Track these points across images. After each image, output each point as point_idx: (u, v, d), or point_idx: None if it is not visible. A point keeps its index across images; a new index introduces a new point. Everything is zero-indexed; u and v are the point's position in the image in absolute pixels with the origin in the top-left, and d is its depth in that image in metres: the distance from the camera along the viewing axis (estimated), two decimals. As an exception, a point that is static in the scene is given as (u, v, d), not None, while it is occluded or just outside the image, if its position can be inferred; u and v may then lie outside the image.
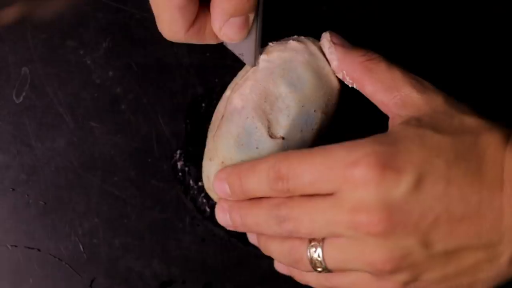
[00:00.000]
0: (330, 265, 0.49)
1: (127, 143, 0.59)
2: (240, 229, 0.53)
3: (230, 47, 0.53)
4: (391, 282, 0.49)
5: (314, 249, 0.49)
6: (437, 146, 0.47)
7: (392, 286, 0.49)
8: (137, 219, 0.59)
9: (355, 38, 0.54)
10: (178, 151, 0.59)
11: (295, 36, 0.55)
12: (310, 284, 0.54)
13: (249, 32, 0.52)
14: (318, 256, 0.49)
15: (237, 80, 0.55)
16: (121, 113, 0.59)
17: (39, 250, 0.58)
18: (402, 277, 0.48)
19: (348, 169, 0.47)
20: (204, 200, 0.59)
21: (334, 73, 0.54)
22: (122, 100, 0.59)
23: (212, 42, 0.53)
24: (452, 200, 0.47)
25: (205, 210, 0.59)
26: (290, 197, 0.49)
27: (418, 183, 0.46)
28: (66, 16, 0.58)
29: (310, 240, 0.49)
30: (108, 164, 0.59)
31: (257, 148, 0.53)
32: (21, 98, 0.58)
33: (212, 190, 0.54)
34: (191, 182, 0.59)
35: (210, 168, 0.54)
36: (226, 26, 0.51)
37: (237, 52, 0.53)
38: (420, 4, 0.59)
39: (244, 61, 0.54)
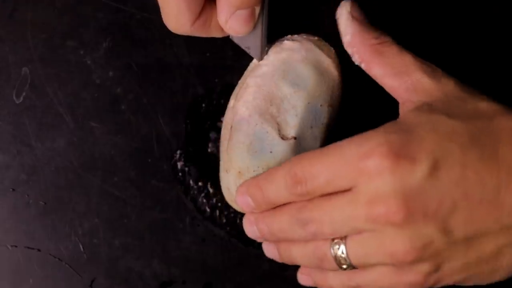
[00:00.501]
0: (354, 261, 0.49)
1: (127, 143, 0.59)
2: (268, 238, 0.53)
3: (236, 41, 0.53)
4: (413, 273, 0.48)
5: (337, 246, 0.49)
6: (451, 131, 0.47)
7: (414, 278, 0.48)
8: (137, 219, 0.59)
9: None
10: (178, 151, 0.59)
11: (289, 36, 0.55)
12: None
13: (255, 26, 0.52)
14: (342, 252, 0.49)
15: (238, 88, 0.55)
16: (121, 113, 0.59)
17: (39, 250, 0.58)
18: (424, 267, 0.48)
19: (361, 161, 0.46)
20: (204, 200, 0.59)
21: (335, 63, 0.53)
22: (122, 100, 0.59)
23: (218, 35, 0.52)
24: (469, 184, 0.46)
25: (205, 210, 0.59)
26: (310, 200, 0.49)
27: (434, 169, 0.46)
28: (66, 16, 0.58)
29: (333, 238, 0.49)
30: (108, 164, 0.58)
31: (271, 152, 0.52)
32: (21, 98, 0.58)
33: (234, 202, 0.54)
34: (191, 182, 0.59)
35: (229, 180, 0.54)
36: (232, 19, 0.50)
37: (243, 45, 0.53)
38: (421, 4, 0.59)
39: (251, 55, 0.54)
